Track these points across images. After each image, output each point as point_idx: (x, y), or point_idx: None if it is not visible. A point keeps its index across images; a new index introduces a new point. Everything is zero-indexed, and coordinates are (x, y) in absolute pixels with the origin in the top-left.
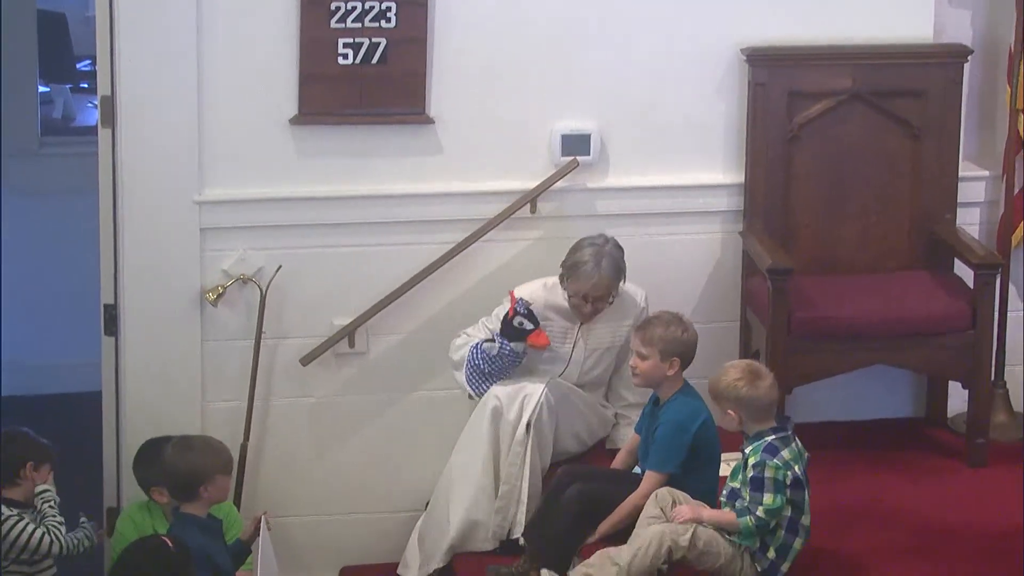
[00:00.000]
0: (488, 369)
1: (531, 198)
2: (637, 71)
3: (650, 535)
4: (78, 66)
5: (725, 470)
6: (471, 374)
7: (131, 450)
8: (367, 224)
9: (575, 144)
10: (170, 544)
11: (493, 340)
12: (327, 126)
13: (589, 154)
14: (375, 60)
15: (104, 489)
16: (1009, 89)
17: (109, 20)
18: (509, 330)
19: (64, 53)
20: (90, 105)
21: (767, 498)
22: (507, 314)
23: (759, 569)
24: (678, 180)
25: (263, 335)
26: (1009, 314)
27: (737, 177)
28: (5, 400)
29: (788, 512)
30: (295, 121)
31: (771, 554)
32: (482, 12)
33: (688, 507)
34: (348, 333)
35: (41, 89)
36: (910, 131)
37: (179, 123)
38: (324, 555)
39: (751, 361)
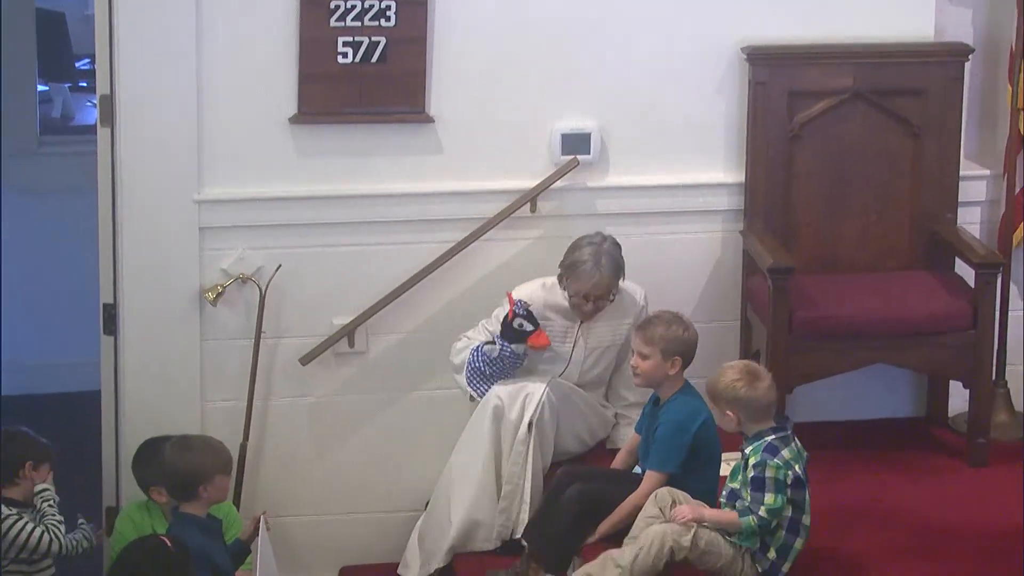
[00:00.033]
0: (489, 371)
1: (531, 197)
2: (637, 70)
3: (652, 535)
4: (77, 65)
5: (725, 470)
6: (472, 376)
7: (130, 450)
8: (367, 223)
9: (575, 143)
10: (169, 544)
11: (493, 342)
12: (327, 125)
13: (589, 153)
14: (375, 59)
15: (103, 489)
16: (1010, 88)
17: (108, 19)
18: (509, 332)
19: (63, 52)
20: (89, 104)
21: (768, 498)
22: (506, 316)
23: (760, 570)
24: (678, 179)
25: (262, 334)
26: (1010, 313)
27: (738, 176)
28: (5, 400)
29: (789, 512)
30: (295, 120)
31: (771, 554)
32: (482, 11)
33: (689, 507)
34: (348, 332)
35: (40, 88)
36: (911, 130)
37: (178, 122)
38: (324, 555)
39: (749, 362)
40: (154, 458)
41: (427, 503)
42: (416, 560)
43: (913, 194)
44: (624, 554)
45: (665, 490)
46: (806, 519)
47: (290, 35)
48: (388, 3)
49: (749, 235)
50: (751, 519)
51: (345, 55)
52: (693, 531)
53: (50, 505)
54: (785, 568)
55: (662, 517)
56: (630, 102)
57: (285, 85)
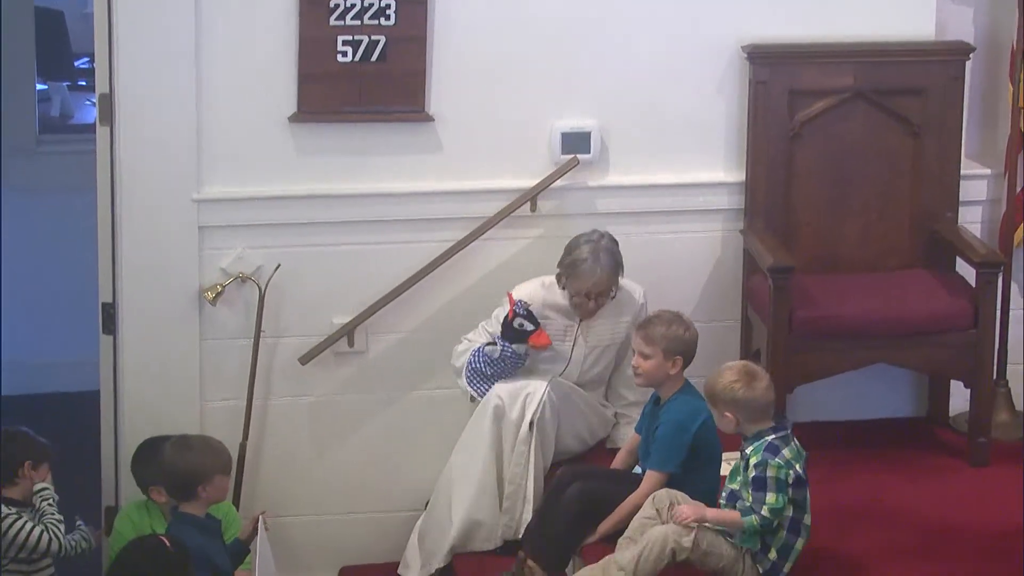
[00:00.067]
0: (491, 372)
1: (531, 196)
2: (638, 69)
3: (654, 537)
4: (76, 64)
5: (726, 469)
6: (473, 377)
7: (129, 449)
8: (366, 222)
9: (575, 142)
10: (168, 544)
11: (495, 343)
12: (326, 124)
13: (589, 152)
14: (374, 58)
15: (102, 488)
16: (1011, 87)
17: (107, 17)
18: (510, 332)
19: (62, 50)
20: (88, 103)
21: (770, 497)
22: (506, 316)
23: (761, 571)
24: (679, 178)
25: (262, 334)
26: (1011, 313)
27: (738, 175)
28: (4, 400)
29: (790, 512)
30: (294, 119)
31: (772, 555)
32: (482, 10)
33: (691, 507)
34: (347, 332)
35: (39, 87)
36: (911, 129)
37: (178, 121)
38: (323, 555)
39: (747, 362)
40: (153, 458)
41: (427, 503)
42: (416, 560)
43: (914, 193)
44: (624, 556)
45: (663, 492)
46: (807, 519)
47: (290, 34)
48: (388, 2)
49: (749, 234)
50: (753, 519)
51: (345, 54)
52: (694, 532)
53: (49, 504)
54: (786, 568)
55: (659, 519)
56: (630, 101)
57: (285, 84)
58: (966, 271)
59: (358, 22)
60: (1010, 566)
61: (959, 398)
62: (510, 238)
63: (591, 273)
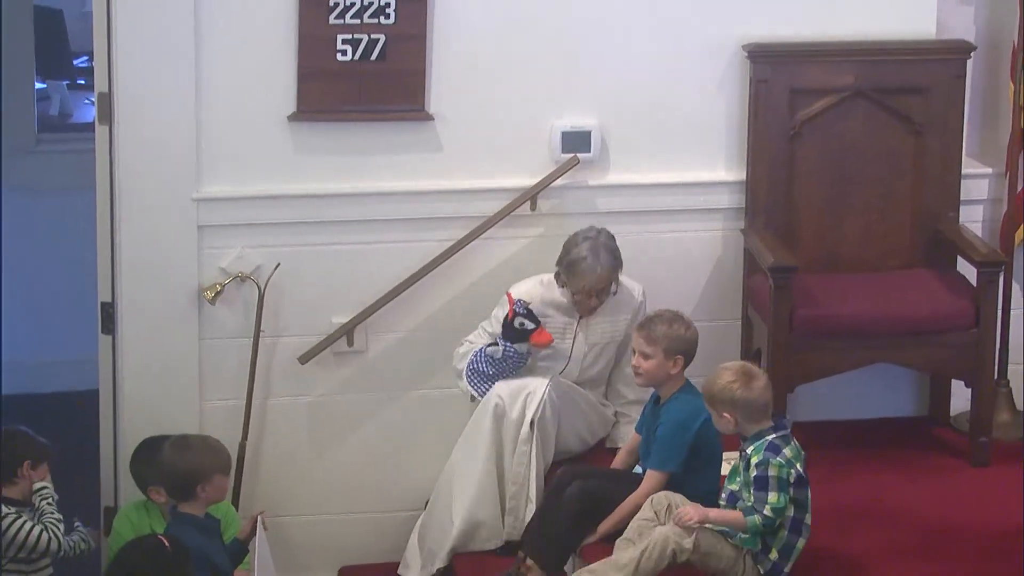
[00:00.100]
0: (493, 372)
1: (531, 195)
2: (638, 67)
3: (654, 538)
4: (75, 62)
5: (726, 469)
6: (475, 378)
7: (129, 449)
8: (366, 222)
9: (576, 141)
10: (167, 544)
11: (496, 344)
12: (326, 123)
13: (590, 151)
14: (374, 56)
15: (101, 488)
16: (1012, 85)
17: (106, 16)
18: (511, 332)
19: (61, 49)
20: (87, 102)
21: (772, 497)
22: (507, 316)
23: (761, 571)
24: (679, 177)
25: (261, 333)
26: (1012, 312)
27: (739, 174)
28: (4, 399)
29: (791, 512)
30: (294, 118)
31: (773, 555)
32: (482, 8)
33: (693, 508)
34: (347, 331)
35: (38, 85)
36: (912, 128)
37: (177, 120)
38: (323, 555)
39: (744, 363)
40: (152, 458)
41: (427, 502)
42: (417, 560)
43: (915, 192)
44: (622, 557)
45: (662, 494)
46: (807, 518)
47: (289, 33)
48: (387, 1)
49: (750, 233)
50: (756, 518)
51: (344, 53)
52: (695, 533)
53: (49, 504)
54: (787, 568)
55: (657, 520)
56: (631, 100)
57: (284, 83)
58: (967, 270)
59: (358, 21)
60: (1011, 566)
61: (960, 398)
62: (510, 237)
63: (591, 271)
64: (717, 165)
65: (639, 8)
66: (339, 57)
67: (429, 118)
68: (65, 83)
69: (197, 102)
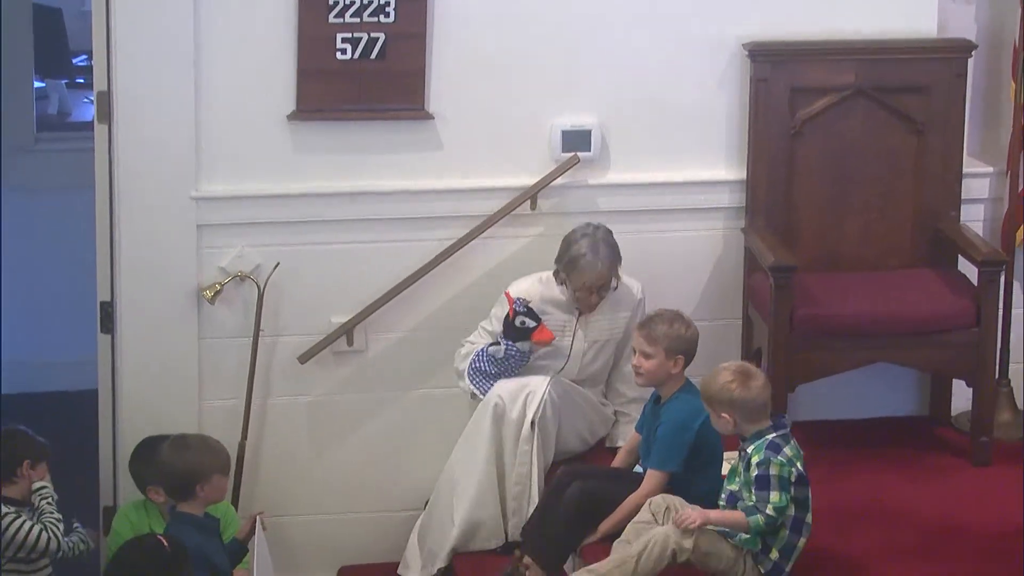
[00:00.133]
0: (496, 371)
1: (531, 194)
2: (638, 66)
3: (654, 537)
4: (74, 61)
5: (726, 469)
6: (476, 377)
7: (128, 449)
8: (366, 221)
9: (576, 140)
10: (165, 543)
11: (498, 343)
12: (325, 122)
13: (590, 150)
14: (374, 55)
15: (100, 488)
16: (1014, 84)
17: (105, 15)
18: (512, 331)
19: (60, 48)
20: (86, 101)
21: (774, 496)
22: (507, 315)
23: (762, 571)
24: (679, 176)
25: (261, 333)
26: (1013, 312)
27: (739, 173)
28: (4, 399)
29: (792, 511)
30: (293, 117)
31: (774, 555)
32: (482, 7)
33: (694, 510)
34: (346, 331)
35: (36, 84)
36: (913, 127)
37: (176, 119)
38: (322, 555)
39: (741, 362)
40: (151, 457)
41: (426, 502)
42: (417, 560)
43: (916, 191)
44: (620, 557)
45: (660, 497)
46: (808, 517)
47: (289, 31)
48: None
49: (750, 233)
50: (759, 518)
51: (344, 51)
52: (695, 533)
53: (48, 503)
54: (788, 568)
55: (655, 523)
56: (631, 98)
57: (283, 82)
58: (968, 270)
59: (357, 19)
60: (1012, 567)
61: (961, 397)
62: (510, 236)
63: (592, 267)
64: (717, 164)
65: (639, 6)
66: (339, 56)
67: (429, 117)
68: (64, 82)
69: (196, 101)
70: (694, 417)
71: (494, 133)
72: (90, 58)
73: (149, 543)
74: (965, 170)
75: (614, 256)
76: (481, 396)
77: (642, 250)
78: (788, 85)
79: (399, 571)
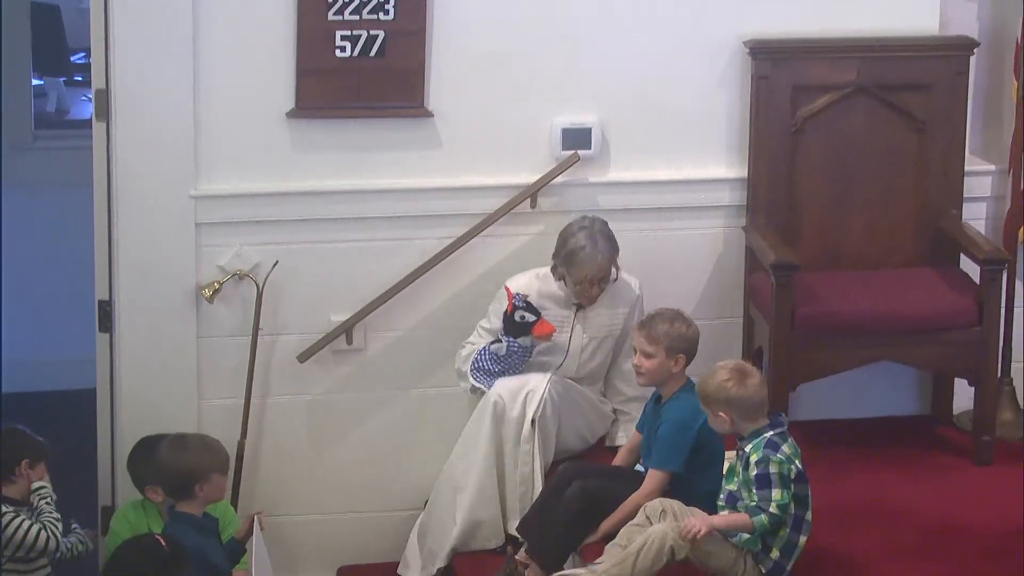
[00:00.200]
0: (499, 369)
1: (531, 193)
2: (639, 64)
3: (652, 534)
4: (72, 59)
5: (726, 468)
6: (480, 376)
7: (126, 448)
8: (365, 219)
9: (576, 138)
10: (164, 543)
11: (499, 341)
12: (324, 120)
13: (590, 148)
14: (373, 53)
15: (98, 487)
16: (1016, 82)
17: (104, 12)
18: (512, 327)
19: (58, 45)
20: (84, 98)
21: (776, 493)
22: (506, 311)
23: (763, 570)
24: (680, 175)
25: (260, 331)
26: (1015, 310)
27: (740, 171)
28: (3, 398)
29: (792, 509)
30: (292, 115)
31: (775, 554)
32: (482, 4)
33: (696, 519)
34: (346, 329)
35: (34, 82)
36: (915, 125)
37: (175, 117)
38: (321, 554)
39: (738, 361)
40: (150, 457)
41: (426, 502)
42: (417, 560)
43: (917, 190)
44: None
45: (657, 501)
46: (808, 515)
47: (288, 29)
48: None
49: (751, 231)
50: (763, 517)
51: (343, 49)
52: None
53: (47, 503)
54: (789, 567)
55: (650, 526)
56: (632, 96)
57: (283, 79)
58: (970, 268)
59: (356, 16)
60: (1013, 566)
61: (963, 396)
62: (510, 235)
63: (591, 259)
64: (718, 162)
65: (640, 4)
66: (338, 53)
67: (428, 115)
68: (62, 80)
69: (195, 99)
70: (695, 417)
71: (494, 131)
72: (88, 56)
73: (147, 543)
74: (967, 168)
75: (612, 247)
76: (485, 389)
77: (643, 248)
78: (789, 83)
79: (399, 571)
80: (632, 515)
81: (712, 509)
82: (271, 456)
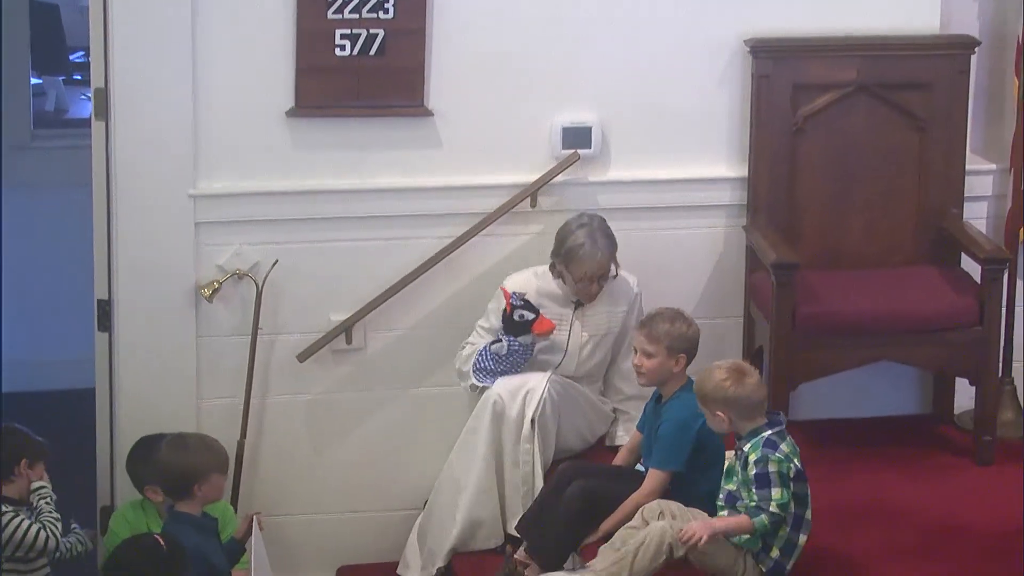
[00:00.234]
0: (501, 369)
1: (531, 192)
2: (639, 63)
3: (651, 532)
4: (71, 57)
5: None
6: (482, 376)
7: (125, 448)
8: (365, 218)
9: (576, 137)
10: (163, 543)
11: (500, 340)
12: (324, 119)
13: (590, 147)
14: (373, 52)
15: (98, 487)
16: (1017, 81)
17: (103, 11)
18: (511, 326)
19: (57, 44)
20: (83, 97)
21: (776, 492)
22: (505, 311)
23: (764, 570)
24: (680, 174)
25: (259, 331)
26: (1016, 310)
27: (741, 171)
28: (3, 397)
29: (792, 508)
30: (292, 114)
31: (775, 553)
32: (482, 3)
33: (697, 524)
34: (345, 329)
35: (33, 81)
36: (916, 124)
37: (174, 116)
38: (321, 554)
39: (735, 360)
40: (149, 456)
41: (426, 502)
42: (416, 560)
43: (918, 189)
44: (617, 553)
45: (655, 503)
46: (808, 514)
47: (287, 27)
48: None
49: (752, 230)
50: (764, 517)
51: (343, 48)
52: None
53: (47, 502)
54: (789, 566)
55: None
56: (632, 95)
57: (282, 78)
58: (971, 267)
59: (356, 15)
60: (1014, 566)
61: (964, 396)
62: (510, 234)
63: (591, 256)
64: (719, 161)
65: (640, 3)
66: (337, 52)
67: (428, 114)
68: (61, 78)
69: (194, 98)
70: (696, 416)
71: (494, 130)
72: (87, 54)
73: (146, 543)
74: (968, 167)
75: (611, 245)
76: (487, 385)
77: (643, 247)
78: (790, 82)
79: (398, 571)
80: (632, 515)
81: (712, 509)
82: (271, 456)
